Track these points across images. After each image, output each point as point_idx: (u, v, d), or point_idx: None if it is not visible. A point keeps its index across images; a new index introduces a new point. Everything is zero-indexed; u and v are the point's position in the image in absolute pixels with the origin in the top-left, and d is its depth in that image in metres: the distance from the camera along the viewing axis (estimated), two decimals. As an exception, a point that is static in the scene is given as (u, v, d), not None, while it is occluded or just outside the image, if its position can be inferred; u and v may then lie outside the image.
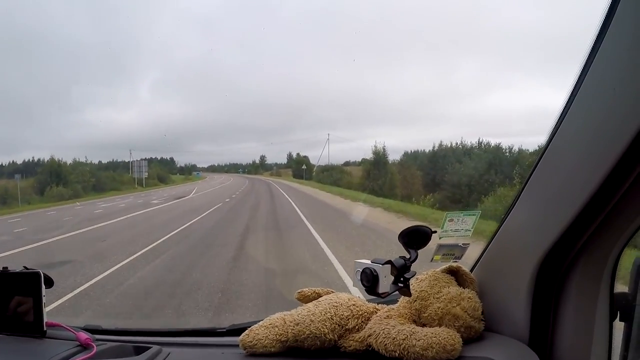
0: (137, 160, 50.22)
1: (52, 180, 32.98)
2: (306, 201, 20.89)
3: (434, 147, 38.48)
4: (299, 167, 63.61)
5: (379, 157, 37.17)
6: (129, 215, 15.76)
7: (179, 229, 10.93)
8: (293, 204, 18.82)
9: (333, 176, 45.84)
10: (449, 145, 37.94)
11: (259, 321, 1.06)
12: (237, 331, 1.11)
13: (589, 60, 0.76)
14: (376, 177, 35.29)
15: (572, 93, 0.80)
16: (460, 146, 37.15)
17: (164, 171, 66.43)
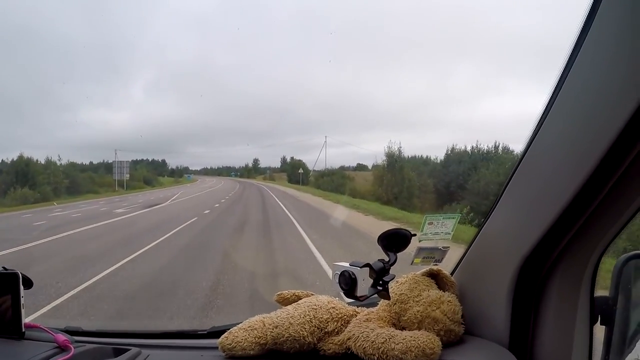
0: (118, 161, 47.69)
1: (17, 181, 30.98)
2: (313, 218, 15.62)
3: (447, 151, 35.96)
4: (294, 171, 62.68)
5: (393, 161, 33.89)
6: (66, 233, 12.11)
7: (104, 273, 6.97)
8: (295, 222, 13.74)
9: (334, 182, 42.76)
10: (463, 149, 35.41)
11: (239, 323, 1.12)
12: (217, 333, 1.14)
13: (569, 62, 0.81)
14: (391, 184, 32.02)
15: (551, 98, 0.85)
16: (476, 150, 34.66)
17: (150, 173, 66.01)
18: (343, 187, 39.52)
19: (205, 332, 1.24)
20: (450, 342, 1.02)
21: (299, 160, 71.35)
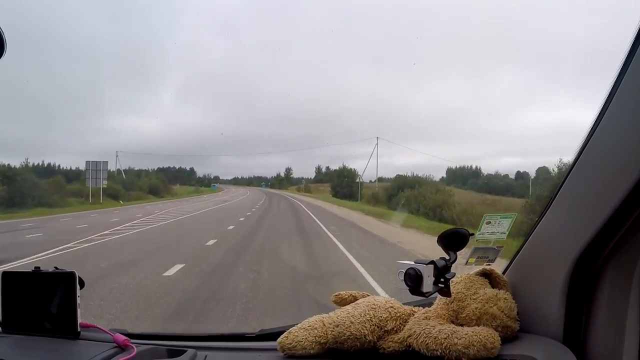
0: (92, 162, 38.12)
1: None
2: None
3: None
4: (342, 182, 47.82)
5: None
6: None
7: None
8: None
9: (427, 199, 24.02)
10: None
11: (289, 326, 1.14)
12: (266, 336, 1.20)
13: (624, 67, 0.87)
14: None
15: (607, 99, 0.91)
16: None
17: (160, 181, 58.78)
18: (447, 209, 23.05)
19: (254, 334, 1.25)
20: (507, 337, 1.08)
21: (348, 168, 52.09)
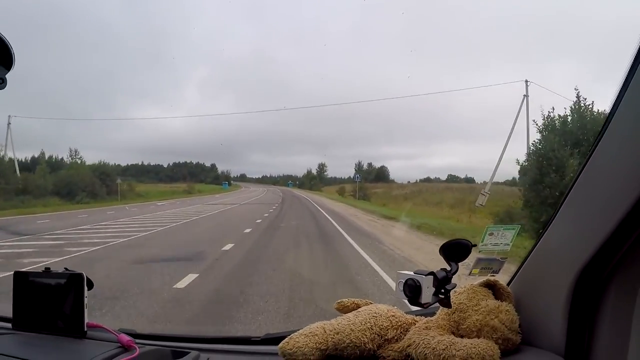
0: None
1: None
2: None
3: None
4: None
5: None
6: None
7: None
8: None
9: None
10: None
11: (293, 331, 1.16)
12: (271, 340, 1.23)
13: (630, 73, 0.85)
14: None
15: (613, 105, 0.91)
16: None
17: (96, 177, 36.52)
18: None
19: (260, 338, 1.28)
20: (508, 350, 1.09)
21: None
